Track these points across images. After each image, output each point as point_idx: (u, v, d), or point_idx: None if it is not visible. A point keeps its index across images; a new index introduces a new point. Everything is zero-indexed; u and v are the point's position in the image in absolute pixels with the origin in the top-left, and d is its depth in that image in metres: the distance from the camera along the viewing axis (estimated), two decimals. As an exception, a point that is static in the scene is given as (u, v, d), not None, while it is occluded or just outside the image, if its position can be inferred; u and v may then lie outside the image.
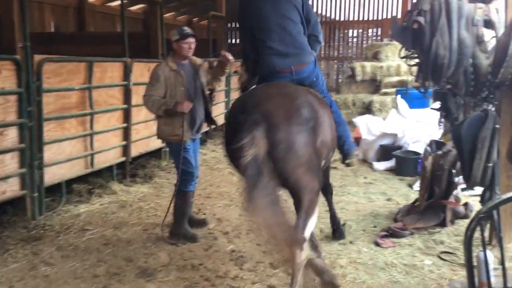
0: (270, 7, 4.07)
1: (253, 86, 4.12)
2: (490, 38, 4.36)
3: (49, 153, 5.31)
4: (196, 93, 4.79)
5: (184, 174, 4.71)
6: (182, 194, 4.78)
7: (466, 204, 5.34)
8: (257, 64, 4.14)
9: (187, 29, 4.73)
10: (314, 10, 18.94)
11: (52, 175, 5.40)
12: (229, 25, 17.59)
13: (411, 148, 7.62)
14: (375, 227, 5.10)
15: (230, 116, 3.74)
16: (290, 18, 4.11)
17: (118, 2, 11.87)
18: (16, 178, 4.94)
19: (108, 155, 6.44)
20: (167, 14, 16.95)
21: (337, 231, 4.82)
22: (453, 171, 5.03)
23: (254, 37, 4.10)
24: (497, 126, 4.18)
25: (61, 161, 5.52)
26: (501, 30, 4.23)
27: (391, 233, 4.78)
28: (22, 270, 4.07)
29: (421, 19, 4.05)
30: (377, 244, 4.63)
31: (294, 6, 4.15)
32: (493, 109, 4.51)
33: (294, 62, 3.98)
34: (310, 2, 4.49)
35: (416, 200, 5.49)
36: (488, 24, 4.27)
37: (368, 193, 6.35)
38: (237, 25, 19.35)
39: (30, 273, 4.03)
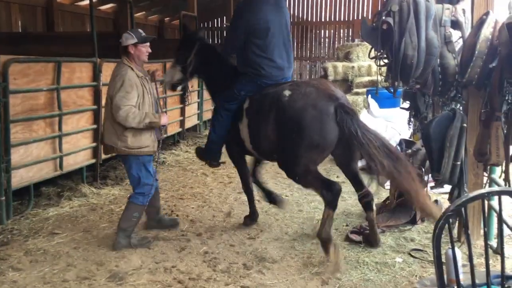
0: (276, 22, 4.74)
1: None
2: (457, 38, 4.44)
3: (17, 155, 5.18)
4: (155, 100, 4.68)
5: (148, 189, 4.52)
6: (142, 208, 4.60)
7: (435, 202, 5.43)
8: (243, 64, 4.79)
9: (143, 32, 4.54)
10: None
11: (19, 178, 5.27)
12: (201, 25, 17.51)
13: (382, 147, 7.70)
14: (347, 225, 5.15)
15: (307, 108, 4.21)
16: (288, 32, 4.91)
17: (88, 2, 11.68)
18: (-18, 181, 4.82)
19: (78, 157, 6.33)
20: (138, 14, 16.77)
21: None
22: (423, 169, 5.11)
23: (250, 42, 4.66)
24: (465, 125, 4.27)
25: (29, 164, 5.40)
26: (468, 31, 4.31)
27: (362, 231, 4.83)
28: (-12, 276, 3.96)
29: (390, 20, 4.10)
30: (349, 239, 4.68)
31: (287, 18, 4.94)
32: (460, 108, 4.61)
33: (285, 75, 4.86)
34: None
35: (387, 199, 5.56)
36: (455, 24, 4.34)
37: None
38: (209, 25, 19.41)
39: (-3, 279, 3.93)
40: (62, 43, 9.97)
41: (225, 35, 4.88)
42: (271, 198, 5.33)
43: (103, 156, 6.76)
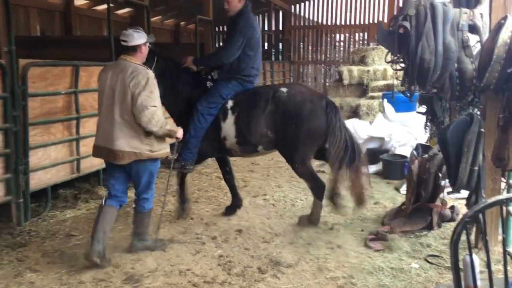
0: (260, 37, 5.37)
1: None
2: (475, 43, 4.40)
3: (35, 158, 5.26)
4: None
5: (152, 193, 4.49)
6: (150, 212, 4.54)
7: (452, 207, 5.39)
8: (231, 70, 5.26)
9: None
10: (302, 14, 19.13)
11: (37, 181, 5.34)
12: (216, 29, 17.61)
13: (398, 151, 7.67)
14: (362, 230, 5.12)
15: (305, 102, 4.98)
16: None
17: (105, 6, 11.84)
18: (1, 183, 4.90)
19: (95, 160, 6.32)
20: (154, 18, 16.91)
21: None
22: (439, 174, 5.07)
23: (244, 53, 5.14)
24: (482, 130, 4.22)
25: (47, 166, 5.47)
26: (485, 35, 4.27)
27: (379, 237, 4.80)
28: (7, 277, 4.01)
29: (406, 24, 4.08)
30: (368, 247, 4.65)
31: None
32: (478, 113, 4.56)
33: (257, 80, 5.56)
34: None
35: (403, 204, 5.52)
36: (473, 29, 4.31)
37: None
38: (225, 29, 19.53)
39: (15, 279, 3.98)
40: (79, 47, 10.10)
41: (226, 42, 5.13)
42: (183, 203, 5.55)
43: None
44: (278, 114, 4.97)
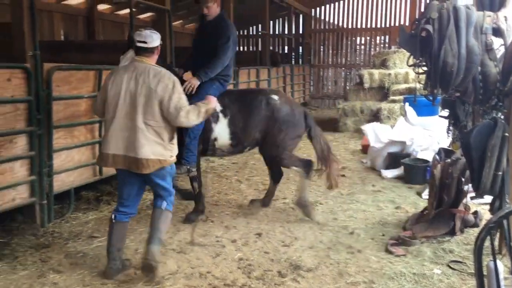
0: None
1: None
2: (498, 46, 4.34)
3: (58, 160, 5.34)
4: None
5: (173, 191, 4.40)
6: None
7: (475, 213, 5.31)
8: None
9: None
10: (322, 17, 19.09)
11: (61, 183, 5.42)
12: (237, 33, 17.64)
13: (420, 156, 7.58)
14: (383, 235, 5.08)
15: (294, 109, 5.68)
16: None
17: (127, 11, 12.00)
18: (25, 185, 4.98)
19: (117, 162, 6.45)
20: (176, 22, 17.06)
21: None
22: (462, 179, 5.00)
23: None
24: (506, 134, 4.15)
25: (70, 169, 5.55)
26: (509, 38, 4.21)
27: (401, 242, 4.76)
28: (31, 278, 4.08)
29: (429, 27, 4.04)
30: (389, 252, 4.61)
31: None
32: (502, 117, 4.49)
33: None
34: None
35: (425, 209, 5.46)
36: (497, 32, 4.25)
37: (377, 201, 6.33)
38: (244, 33, 19.61)
39: (39, 280, 4.04)
40: (102, 51, 10.23)
41: (223, 46, 5.13)
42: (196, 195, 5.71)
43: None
44: (272, 120, 5.46)
